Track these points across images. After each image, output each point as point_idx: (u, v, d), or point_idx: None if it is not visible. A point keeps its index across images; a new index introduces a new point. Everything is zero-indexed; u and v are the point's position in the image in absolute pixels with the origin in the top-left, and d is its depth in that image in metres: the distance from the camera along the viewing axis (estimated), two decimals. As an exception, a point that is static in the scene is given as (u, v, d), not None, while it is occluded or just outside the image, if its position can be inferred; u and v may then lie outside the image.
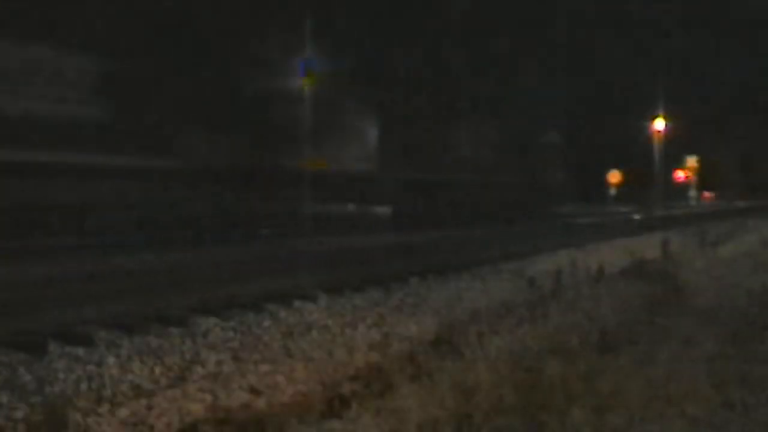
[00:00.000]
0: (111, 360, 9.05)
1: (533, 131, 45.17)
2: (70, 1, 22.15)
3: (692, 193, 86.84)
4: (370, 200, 33.38)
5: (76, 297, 12.28)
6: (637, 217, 50.39)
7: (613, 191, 74.87)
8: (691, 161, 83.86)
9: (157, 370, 8.88)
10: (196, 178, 24.53)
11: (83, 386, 8.11)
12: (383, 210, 34.11)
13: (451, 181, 36.92)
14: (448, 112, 38.22)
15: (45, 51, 21.06)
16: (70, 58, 21.74)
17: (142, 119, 23.34)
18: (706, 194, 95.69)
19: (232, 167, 25.60)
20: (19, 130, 19.60)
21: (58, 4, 21.43)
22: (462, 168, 37.83)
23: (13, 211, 19.58)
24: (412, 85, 36.13)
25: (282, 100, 28.43)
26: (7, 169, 19.01)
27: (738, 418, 7.34)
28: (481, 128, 40.41)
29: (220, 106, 26.02)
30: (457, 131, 38.50)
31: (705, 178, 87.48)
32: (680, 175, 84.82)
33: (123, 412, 7.58)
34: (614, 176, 74.81)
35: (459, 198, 36.97)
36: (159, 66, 24.30)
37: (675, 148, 67.84)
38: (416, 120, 35.52)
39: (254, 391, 8.56)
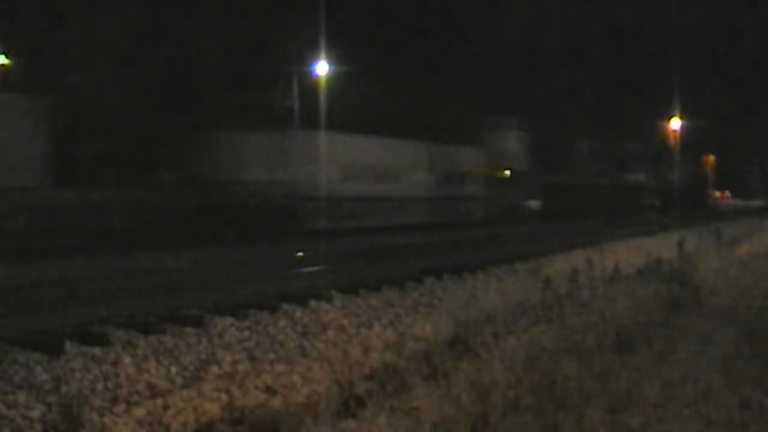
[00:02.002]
0: (127, 360, 9.06)
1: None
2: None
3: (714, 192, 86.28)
4: (530, 196, 45.88)
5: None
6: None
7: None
8: (709, 160, 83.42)
9: (173, 369, 8.89)
10: None
11: (99, 386, 8.12)
12: (536, 203, 46.21)
13: (579, 183, 49.28)
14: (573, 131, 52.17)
15: None
16: None
17: None
18: (723, 194, 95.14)
19: None
20: None
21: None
22: (586, 173, 50.59)
23: None
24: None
25: None
26: None
27: (754, 419, 7.31)
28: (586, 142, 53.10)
29: None
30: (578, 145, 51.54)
31: (722, 177, 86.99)
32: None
33: (139, 412, 7.60)
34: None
35: (588, 196, 49.32)
36: None
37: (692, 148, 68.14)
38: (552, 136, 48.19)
39: (270, 390, 8.58)
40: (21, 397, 7.57)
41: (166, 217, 25.26)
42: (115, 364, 8.45)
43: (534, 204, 46.13)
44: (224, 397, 8.26)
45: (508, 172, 43.31)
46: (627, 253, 21.99)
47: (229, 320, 10.55)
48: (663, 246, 23.53)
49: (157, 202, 25.89)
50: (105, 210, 23.63)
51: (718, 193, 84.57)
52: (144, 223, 24.34)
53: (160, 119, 29.76)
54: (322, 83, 36.93)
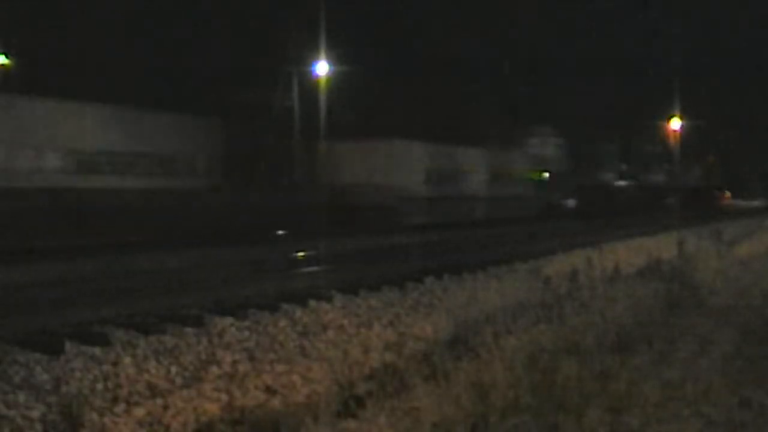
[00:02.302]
0: (127, 360, 9.06)
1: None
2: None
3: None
4: (566, 196, 53.31)
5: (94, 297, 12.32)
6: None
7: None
8: (710, 161, 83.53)
9: (173, 369, 8.89)
10: None
11: (99, 386, 8.12)
12: (571, 202, 53.64)
13: (608, 184, 58.66)
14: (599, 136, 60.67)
15: None
16: None
17: None
18: (724, 194, 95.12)
19: None
20: None
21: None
22: (612, 175, 60.70)
23: None
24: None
25: None
26: None
27: (754, 419, 7.31)
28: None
29: None
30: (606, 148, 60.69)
31: (722, 177, 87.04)
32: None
33: (139, 412, 7.60)
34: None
35: (615, 196, 58.01)
36: None
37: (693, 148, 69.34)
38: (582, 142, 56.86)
39: (270, 390, 8.58)
40: (21, 397, 7.57)
41: (293, 215, 29.55)
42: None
43: (570, 203, 53.59)
44: (224, 397, 8.26)
45: (546, 174, 50.11)
46: (627, 253, 21.98)
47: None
48: (663, 246, 23.53)
49: (286, 203, 30.28)
50: (252, 209, 28.24)
51: (728, 194, 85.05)
52: (278, 220, 28.91)
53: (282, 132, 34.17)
54: (322, 83, 36.95)
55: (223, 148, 29.41)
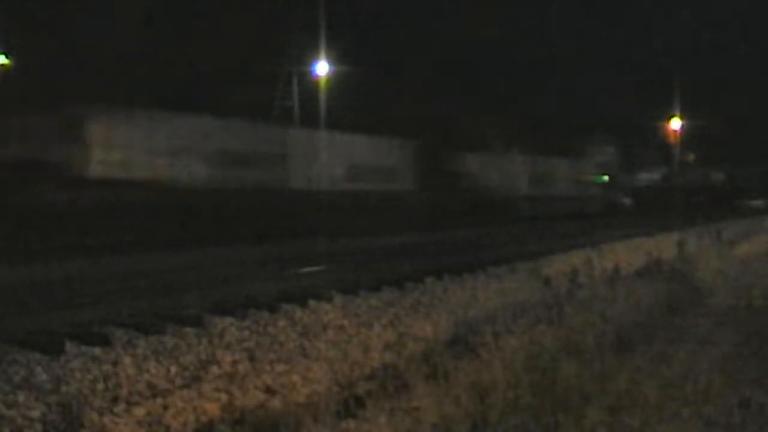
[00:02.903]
0: (127, 360, 9.06)
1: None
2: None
3: None
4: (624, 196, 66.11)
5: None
6: None
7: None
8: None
9: (173, 369, 8.89)
10: None
11: (99, 386, 8.12)
12: (628, 200, 65.99)
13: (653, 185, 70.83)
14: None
15: None
16: None
17: None
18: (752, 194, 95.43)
19: None
20: None
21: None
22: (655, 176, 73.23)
23: None
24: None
25: None
26: None
27: (754, 419, 7.31)
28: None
29: None
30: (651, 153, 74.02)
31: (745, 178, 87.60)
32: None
33: (139, 412, 7.60)
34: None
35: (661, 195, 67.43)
36: None
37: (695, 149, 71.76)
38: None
39: (270, 391, 8.58)
40: (21, 397, 7.57)
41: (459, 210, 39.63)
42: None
43: (627, 201, 65.63)
44: (224, 397, 8.26)
45: (607, 177, 62.10)
46: (627, 253, 21.99)
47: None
48: (663, 246, 23.54)
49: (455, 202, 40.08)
50: (436, 206, 37.77)
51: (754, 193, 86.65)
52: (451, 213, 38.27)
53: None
54: (322, 83, 36.98)
55: (416, 162, 39.02)
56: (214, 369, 8.96)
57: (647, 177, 73.90)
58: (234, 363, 9.23)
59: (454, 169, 41.65)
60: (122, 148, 25.49)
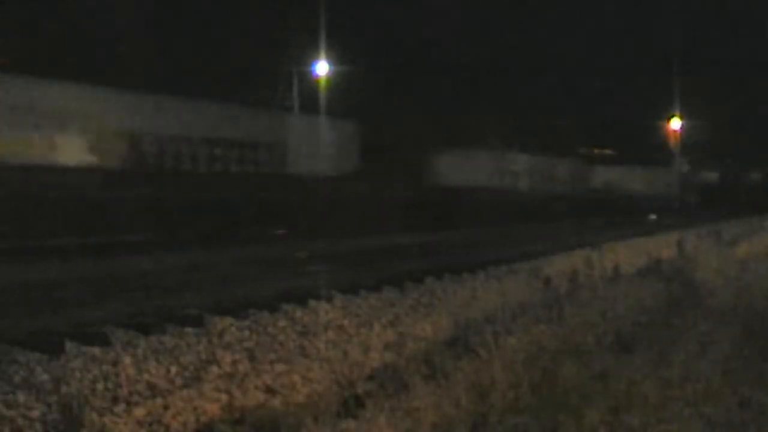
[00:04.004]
0: (127, 359, 9.06)
1: None
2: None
3: None
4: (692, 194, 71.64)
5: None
6: None
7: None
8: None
9: (173, 369, 8.89)
10: None
11: (99, 386, 8.12)
12: (695, 197, 71.17)
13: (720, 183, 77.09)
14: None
15: None
16: None
17: None
18: None
19: None
20: None
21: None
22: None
23: None
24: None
25: None
26: None
27: (754, 419, 7.31)
28: None
29: None
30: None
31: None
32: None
33: (139, 412, 7.60)
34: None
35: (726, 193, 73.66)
36: None
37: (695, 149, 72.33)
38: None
39: (270, 390, 8.58)
40: (21, 397, 7.57)
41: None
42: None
43: (694, 199, 71.23)
44: (224, 397, 8.26)
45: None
46: (627, 253, 21.99)
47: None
48: (663, 246, 23.54)
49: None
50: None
51: None
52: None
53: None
54: (322, 83, 36.97)
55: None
56: (214, 369, 8.97)
57: (707, 177, 78.87)
58: (234, 363, 9.24)
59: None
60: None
